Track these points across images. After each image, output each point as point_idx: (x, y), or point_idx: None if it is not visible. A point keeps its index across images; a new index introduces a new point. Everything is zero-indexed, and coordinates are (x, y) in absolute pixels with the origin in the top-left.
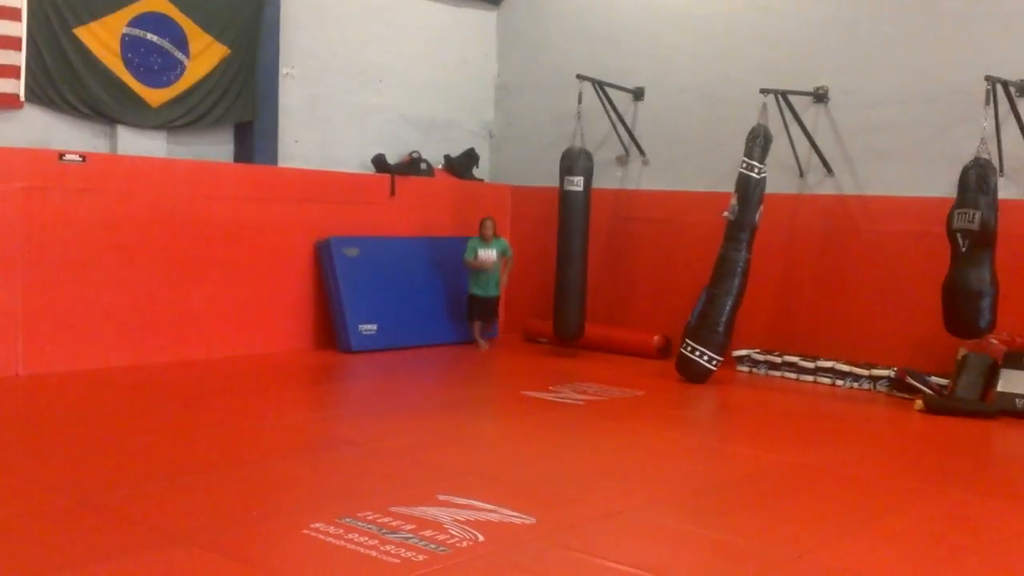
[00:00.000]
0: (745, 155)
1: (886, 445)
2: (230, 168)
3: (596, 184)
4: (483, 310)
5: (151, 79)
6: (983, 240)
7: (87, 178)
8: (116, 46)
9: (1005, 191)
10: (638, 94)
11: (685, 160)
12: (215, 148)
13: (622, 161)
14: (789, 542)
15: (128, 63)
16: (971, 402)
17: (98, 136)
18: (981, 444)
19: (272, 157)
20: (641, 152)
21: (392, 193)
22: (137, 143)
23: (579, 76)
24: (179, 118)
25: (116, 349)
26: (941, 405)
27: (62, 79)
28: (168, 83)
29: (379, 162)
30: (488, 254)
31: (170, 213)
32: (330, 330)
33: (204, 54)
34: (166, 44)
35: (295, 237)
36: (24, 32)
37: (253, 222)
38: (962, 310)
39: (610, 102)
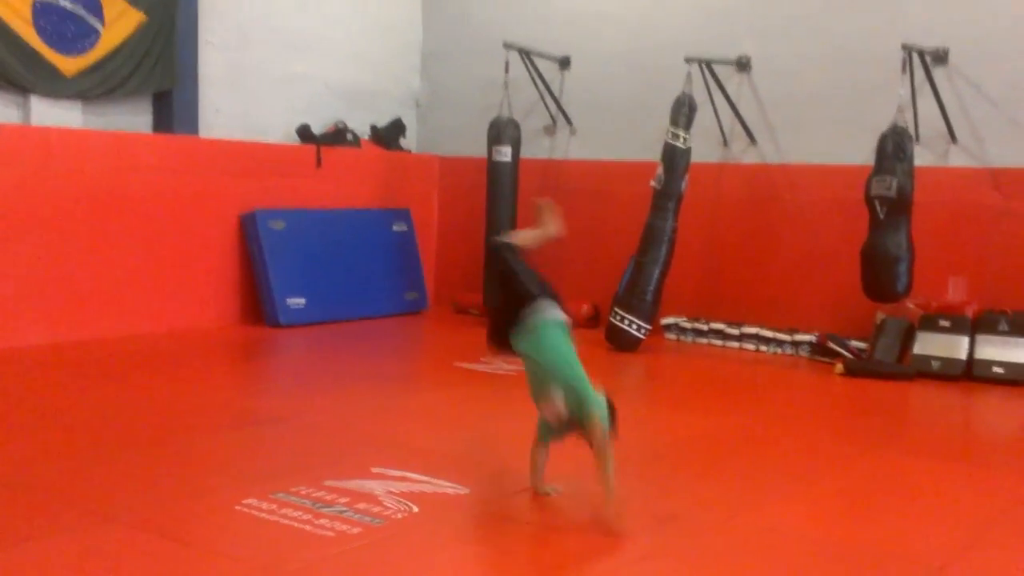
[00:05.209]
0: (671, 124)
1: (809, 408)
2: (150, 139)
3: (524, 154)
4: None
5: (65, 47)
6: (900, 206)
7: None
8: (28, 13)
9: (921, 158)
10: (564, 63)
11: (612, 129)
12: (133, 118)
13: (549, 131)
14: (718, 506)
15: (40, 31)
16: (889, 365)
17: (9, 106)
18: (899, 405)
19: (192, 127)
20: (568, 121)
21: (318, 164)
22: (51, 113)
23: (506, 44)
24: (95, 87)
25: (33, 327)
26: (860, 368)
27: None
28: (83, 51)
29: (304, 132)
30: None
31: (89, 186)
32: (257, 304)
33: (119, 20)
34: (79, 10)
35: (219, 209)
36: None
37: (175, 194)
38: (880, 275)
39: (537, 71)
